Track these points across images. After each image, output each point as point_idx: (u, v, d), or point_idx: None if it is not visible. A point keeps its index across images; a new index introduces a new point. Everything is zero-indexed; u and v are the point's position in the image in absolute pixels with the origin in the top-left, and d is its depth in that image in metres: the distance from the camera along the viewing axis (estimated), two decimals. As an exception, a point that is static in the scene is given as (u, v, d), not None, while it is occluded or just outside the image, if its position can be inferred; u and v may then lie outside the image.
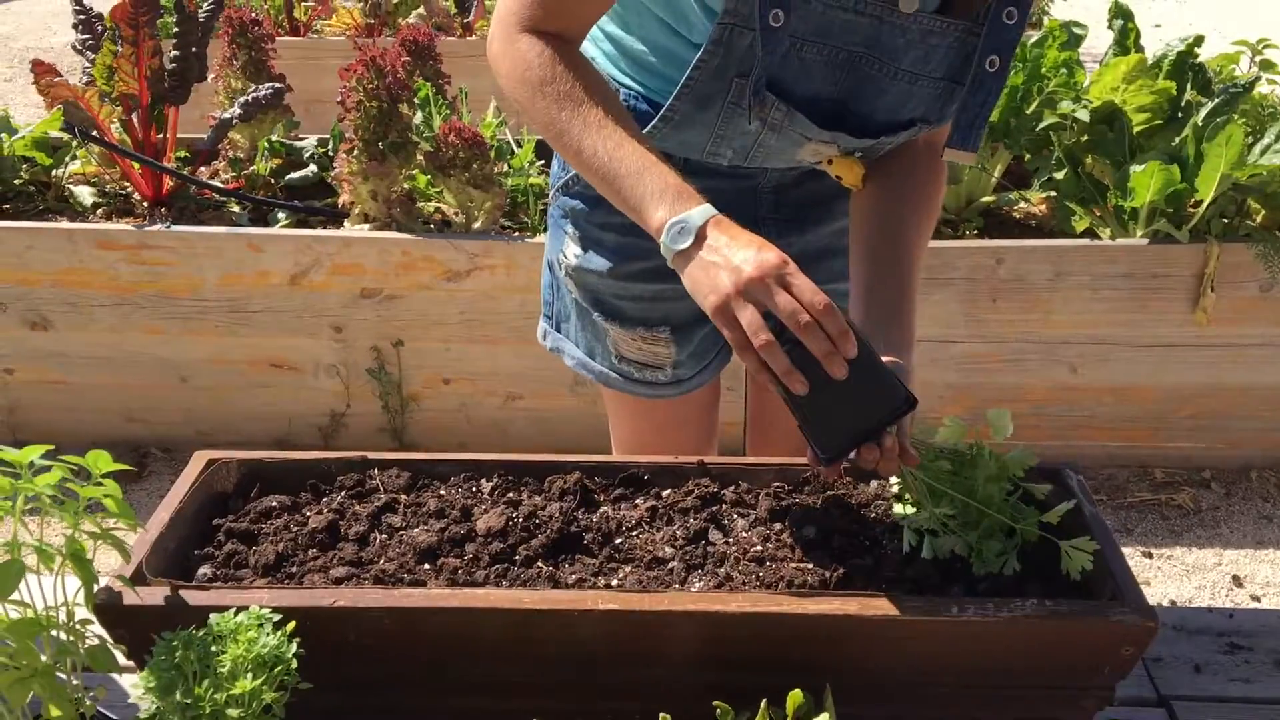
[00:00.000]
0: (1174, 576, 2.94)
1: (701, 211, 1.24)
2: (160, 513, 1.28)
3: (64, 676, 1.08)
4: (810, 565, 1.25)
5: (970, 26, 1.35)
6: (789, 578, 1.22)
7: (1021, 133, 3.24)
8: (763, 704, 1.07)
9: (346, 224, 3.20)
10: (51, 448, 1.07)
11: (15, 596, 1.04)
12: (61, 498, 1.07)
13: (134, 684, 1.05)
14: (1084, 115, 3.10)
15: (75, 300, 3.19)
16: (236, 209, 3.37)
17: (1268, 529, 3.09)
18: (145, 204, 3.36)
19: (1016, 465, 1.29)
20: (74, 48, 3.45)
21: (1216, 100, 3.09)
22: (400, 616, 1.14)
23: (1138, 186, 2.97)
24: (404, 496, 1.38)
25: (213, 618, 1.06)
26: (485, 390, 3.25)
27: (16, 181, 3.43)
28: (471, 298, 3.12)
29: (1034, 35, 3.36)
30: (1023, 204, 3.42)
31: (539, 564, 1.26)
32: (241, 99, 3.42)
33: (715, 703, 1.08)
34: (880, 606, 1.14)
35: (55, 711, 1.06)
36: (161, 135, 3.41)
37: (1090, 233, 3.12)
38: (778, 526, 1.33)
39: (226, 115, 3.39)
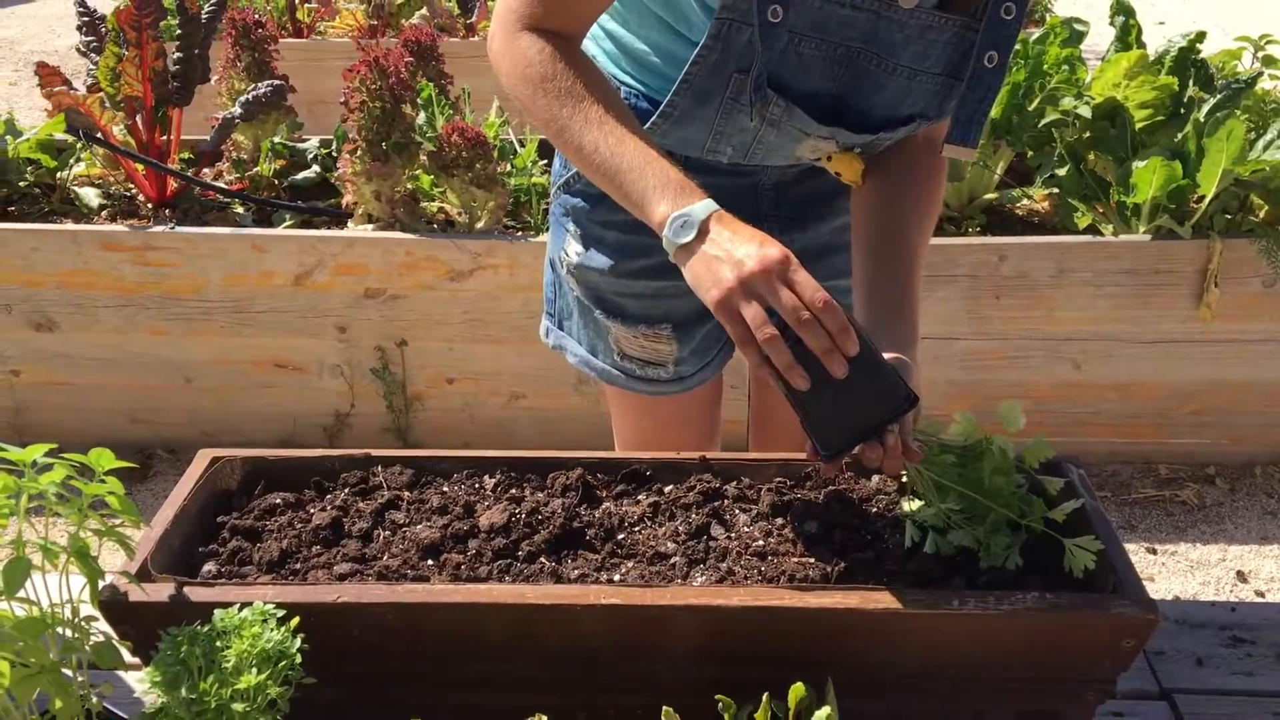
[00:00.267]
0: (1178, 573, 2.94)
1: (704, 206, 1.24)
2: (165, 510, 1.29)
3: (69, 673, 1.09)
4: (812, 560, 1.26)
5: (968, 22, 1.36)
6: (791, 572, 1.23)
7: (1024, 129, 3.24)
8: (765, 698, 1.07)
9: (350, 224, 3.20)
10: (55, 446, 1.08)
11: (21, 594, 1.05)
12: (66, 495, 1.08)
13: (139, 679, 1.05)
14: (1086, 112, 3.11)
15: (80, 301, 3.20)
16: (240, 210, 3.38)
17: (1272, 525, 3.09)
18: (149, 205, 3.37)
19: (1033, 456, 1.29)
20: (78, 50, 3.47)
21: (1219, 96, 3.09)
22: (403, 612, 1.14)
23: (1140, 182, 2.97)
24: (407, 493, 1.38)
25: (217, 614, 1.07)
26: (489, 390, 3.25)
27: (22, 184, 3.45)
28: (475, 297, 3.13)
29: (1036, 32, 3.36)
30: (1025, 201, 3.42)
31: (541, 559, 1.27)
32: (242, 98, 3.43)
33: (717, 696, 1.08)
34: (882, 600, 1.14)
35: (61, 706, 1.06)
36: (165, 137, 3.42)
37: (1093, 229, 3.12)
38: (779, 521, 1.33)
39: (228, 115, 3.40)
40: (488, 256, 3.08)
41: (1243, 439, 3.26)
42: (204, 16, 3.42)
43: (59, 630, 1.08)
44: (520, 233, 3.15)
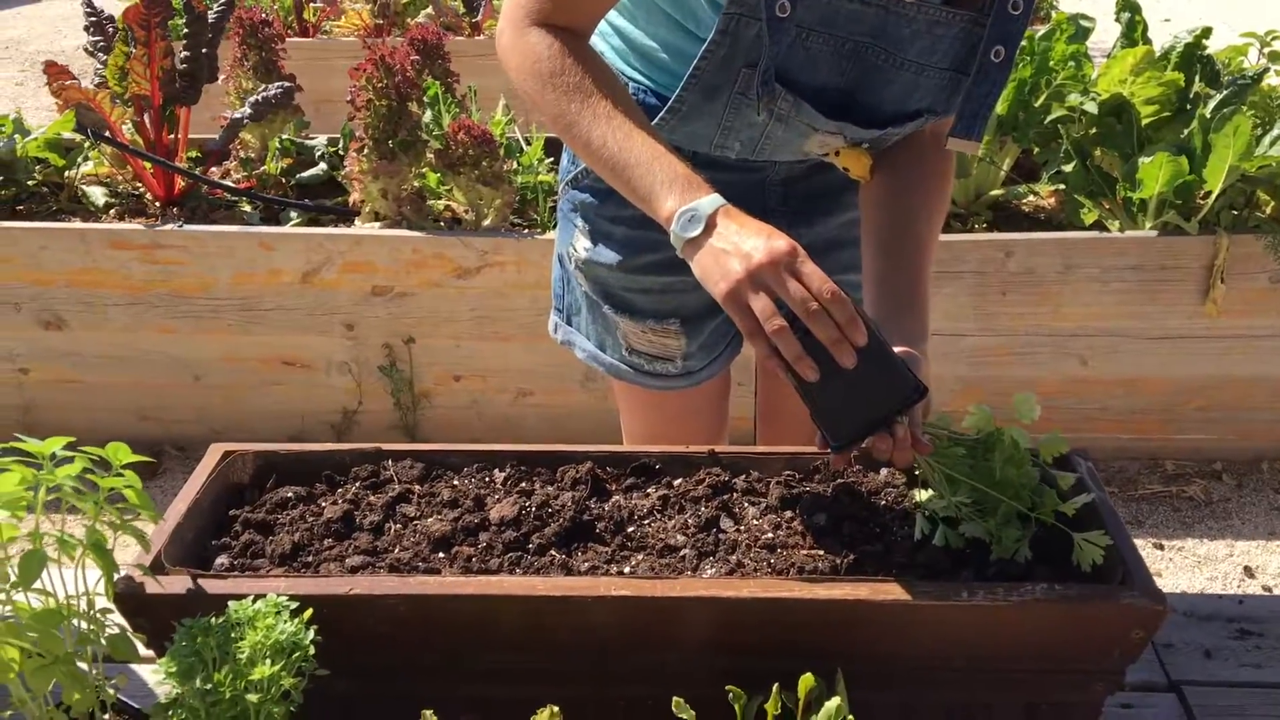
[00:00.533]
0: (1185, 568, 2.94)
1: (711, 200, 1.25)
2: (177, 504, 1.29)
3: (84, 666, 1.09)
4: (821, 552, 1.26)
5: (976, 17, 1.36)
6: (800, 564, 1.23)
7: (1030, 126, 3.25)
8: (775, 688, 1.08)
9: (357, 222, 3.21)
10: (73, 439, 1.09)
11: (37, 586, 1.05)
12: (82, 489, 1.08)
13: (153, 671, 1.06)
14: (1092, 108, 3.11)
15: (89, 300, 3.21)
16: (248, 208, 3.39)
17: (1279, 520, 3.09)
18: (157, 204, 3.38)
19: (1048, 451, 1.29)
20: (86, 49, 3.48)
21: (1225, 92, 3.09)
22: (415, 604, 1.15)
23: (1146, 178, 2.97)
24: (418, 487, 1.39)
25: (231, 605, 1.08)
26: (496, 387, 3.26)
27: (30, 183, 3.45)
28: (482, 295, 3.14)
29: (1041, 29, 3.36)
30: (1031, 197, 3.42)
31: (552, 552, 1.27)
32: (252, 99, 3.44)
33: (728, 687, 1.08)
34: (891, 591, 1.14)
35: (77, 697, 1.07)
36: (173, 136, 3.43)
37: (1099, 225, 3.12)
38: (788, 514, 1.34)
39: (237, 115, 3.41)
40: (495, 254, 3.09)
41: (1250, 434, 3.26)
42: (212, 16, 3.43)
43: (75, 622, 1.09)
44: (527, 230, 3.16)
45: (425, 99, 3.27)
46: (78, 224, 3.24)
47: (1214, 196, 3.02)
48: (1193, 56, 3.25)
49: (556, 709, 1.05)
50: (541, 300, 2.92)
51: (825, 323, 1.16)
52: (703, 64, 1.38)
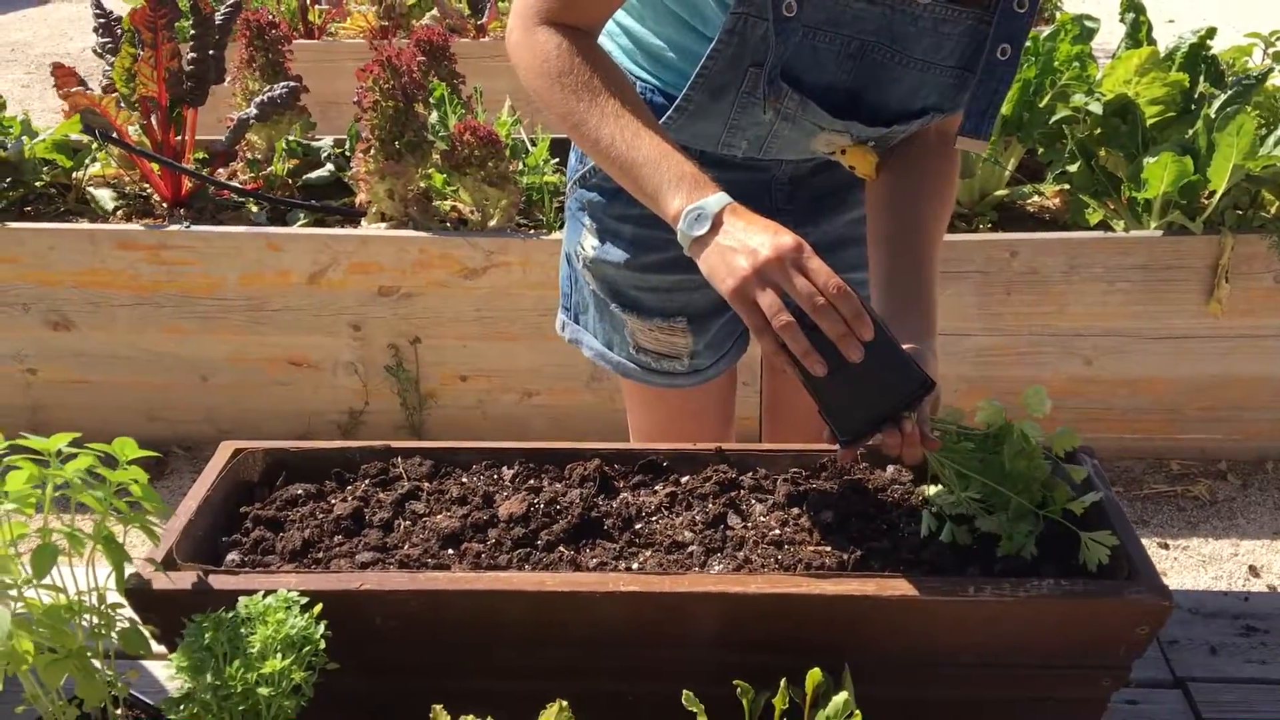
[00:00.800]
0: (1190, 567, 2.94)
1: (718, 198, 1.25)
2: (188, 500, 1.30)
3: (96, 661, 1.10)
4: (828, 548, 1.27)
5: (982, 15, 1.37)
6: (807, 560, 1.24)
7: (1034, 126, 3.25)
8: (782, 683, 1.08)
9: (364, 223, 3.22)
10: (79, 435, 1.09)
11: (48, 581, 1.06)
12: (91, 483, 1.09)
13: (164, 666, 1.07)
14: (1097, 108, 3.11)
15: (97, 300, 3.23)
16: (255, 209, 3.40)
17: (1284, 520, 3.09)
18: (165, 205, 3.39)
19: (1060, 445, 1.30)
20: (95, 51, 3.49)
21: (1229, 92, 3.09)
22: (425, 599, 1.16)
23: (1151, 178, 2.97)
24: (427, 484, 1.40)
25: (242, 600, 1.08)
26: (502, 387, 3.27)
27: (38, 184, 3.47)
28: (488, 295, 3.14)
29: (1046, 29, 3.37)
30: (1036, 197, 3.43)
31: (560, 548, 1.28)
32: (257, 99, 3.45)
33: (736, 682, 1.09)
34: (898, 587, 1.15)
35: (88, 691, 1.08)
36: (180, 137, 3.44)
37: (1104, 225, 3.12)
38: (795, 511, 1.35)
39: (244, 115, 3.43)
40: (500, 254, 3.09)
41: (1254, 434, 3.26)
42: (219, 17, 3.45)
43: (86, 618, 1.09)
44: (533, 230, 3.16)
45: (431, 100, 3.28)
46: (85, 225, 3.26)
47: (1219, 196, 3.02)
48: (1197, 57, 3.25)
49: (565, 704, 1.06)
50: (547, 300, 2.93)
51: (832, 317, 1.16)
52: (710, 63, 1.38)
